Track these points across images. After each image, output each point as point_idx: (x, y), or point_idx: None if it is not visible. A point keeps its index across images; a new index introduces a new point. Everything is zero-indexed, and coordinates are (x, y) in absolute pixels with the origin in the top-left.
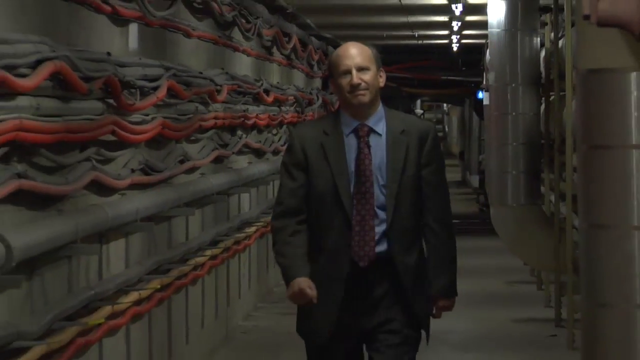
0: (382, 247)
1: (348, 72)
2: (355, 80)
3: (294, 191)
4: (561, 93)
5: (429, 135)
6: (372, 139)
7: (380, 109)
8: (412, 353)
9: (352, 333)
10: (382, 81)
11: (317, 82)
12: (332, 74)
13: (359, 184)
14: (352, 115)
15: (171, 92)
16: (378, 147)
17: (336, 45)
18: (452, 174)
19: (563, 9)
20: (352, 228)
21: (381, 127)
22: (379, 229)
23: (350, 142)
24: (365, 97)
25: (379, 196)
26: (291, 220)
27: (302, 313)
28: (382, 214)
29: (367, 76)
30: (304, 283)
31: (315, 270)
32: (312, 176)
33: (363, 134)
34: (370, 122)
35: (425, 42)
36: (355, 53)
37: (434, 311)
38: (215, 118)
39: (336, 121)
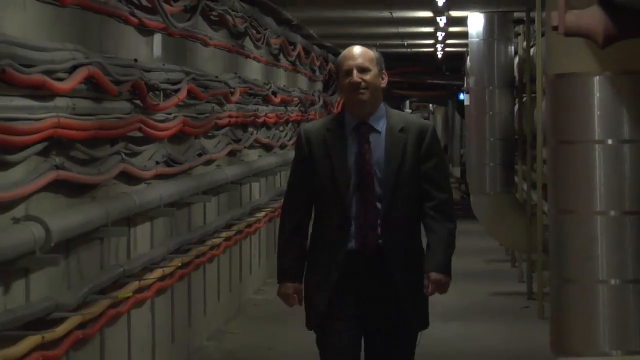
0: (380, 238)
1: (350, 72)
2: (355, 79)
3: (300, 187)
4: (532, 95)
5: (427, 132)
6: (372, 136)
7: (381, 107)
8: (408, 346)
9: (352, 320)
10: (383, 82)
11: (319, 85)
12: (337, 74)
13: (360, 178)
14: (354, 114)
15: (191, 94)
16: (377, 144)
17: (336, 53)
18: None
19: (534, 21)
20: (353, 219)
21: (381, 125)
22: (380, 221)
23: (352, 139)
24: (364, 95)
25: (378, 190)
26: (298, 215)
27: (309, 306)
28: (380, 207)
29: (368, 76)
30: (291, 289)
31: (317, 256)
32: (316, 170)
33: (364, 131)
34: (371, 120)
35: (413, 50)
36: (357, 54)
37: (428, 289)
38: (229, 117)
39: (340, 120)
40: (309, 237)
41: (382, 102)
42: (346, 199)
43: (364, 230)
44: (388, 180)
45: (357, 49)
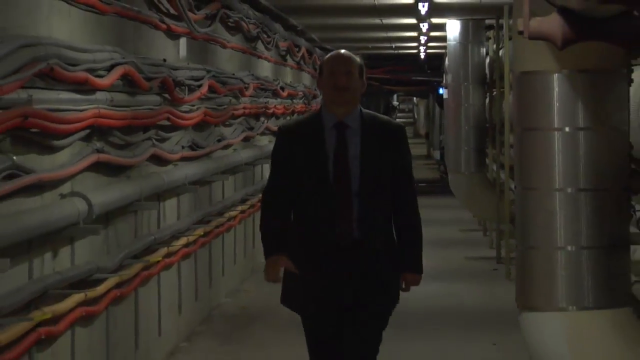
0: (357, 229)
1: (334, 73)
2: (340, 81)
3: (280, 182)
4: (501, 90)
5: (398, 133)
6: (349, 134)
7: (357, 109)
8: (379, 327)
9: (334, 305)
10: (363, 87)
11: (308, 78)
12: (322, 73)
13: (337, 173)
14: (333, 112)
15: (211, 89)
16: (353, 141)
17: None
18: (420, 149)
19: (503, 27)
20: (331, 211)
21: (357, 124)
22: (356, 213)
23: (330, 136)
24: (345, 97)
25: (355, 184)
26: (277, 199)
27: (287, 287)
28: (356, 199)
29: (351, 80)
30: (280, 260)
31: (303, 250)
32: (296, 165)
33: (341, 129)
34: (348, 120)
35: (400, 51)
36: (343, 59)
37: (403, 286)
38: (244, 108)
39: (319, 117)
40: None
41: (358, 104)
42: (325, 193)
43: (341, 221)
44: (363, 175)
45: (344, 54)
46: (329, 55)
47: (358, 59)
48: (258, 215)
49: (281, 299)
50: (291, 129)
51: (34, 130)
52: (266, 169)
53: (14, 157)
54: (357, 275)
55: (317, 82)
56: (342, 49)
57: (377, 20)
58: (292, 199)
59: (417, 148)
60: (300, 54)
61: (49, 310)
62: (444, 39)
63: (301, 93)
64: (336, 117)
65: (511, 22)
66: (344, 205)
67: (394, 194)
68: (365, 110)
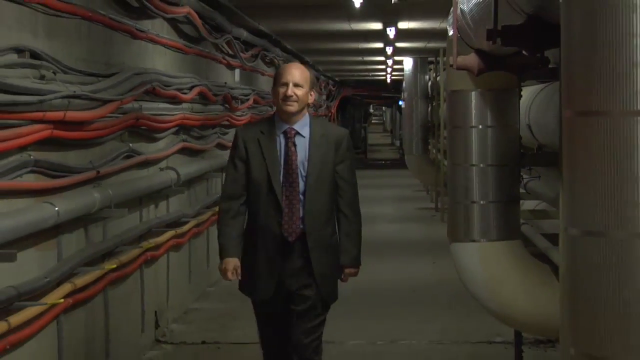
0: (302, 226)
1: (286, 84)
2: (289, 92)
3: (237, 179)
4: (438, 102)
5: (343, 139)
6: (298, 140)
7: (306, 117)
8: (320, 313)
9: (283, 292)
10: (311, 99)
11: (316, 96)
12: (275, 83)
13: (287, 175)
14: (283, 120)
15: (255, 101)
16: (302, 146)
17: (335, 79)
18: (387, 139)
19: (439, 62)
20: (282, 210)
21: (306, 131)
22: (302, 210)
23: (281, 141)
24: (293, 107)
25: (302, 185)
26: (234, 203)
27: (244, 277)
28: (303, 199)
29: (300, 92)
30: (230, 265)
31: (254, 242)
32: (250, 167)
33: (290, 135)
34: (297, 126)
35: (374, 77)
36: (295, 72)
37: (342, 276)
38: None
39: (271, 123)
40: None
41: (307, 113)
42: (276, 192)
43: (289, 218)
44: (310, 177)
45: (296, 67)
46: (283, 66)
47: (310, 71)
48: None
49: (239, 286)
50: (246, 132)
51: (142, 127)
52: None
53: (130, 144)
54: (301, 267)
55: (272, 91)
56: (328, 70)
57: (360, 58)
58: (247, 197)
59: (385, 139)
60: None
61: (152, 241)
62: (402, 70)
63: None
64: (286, 124)
65: (445, 59)
66: (291, 205)
67: (337, 195)
68: (314, 118)
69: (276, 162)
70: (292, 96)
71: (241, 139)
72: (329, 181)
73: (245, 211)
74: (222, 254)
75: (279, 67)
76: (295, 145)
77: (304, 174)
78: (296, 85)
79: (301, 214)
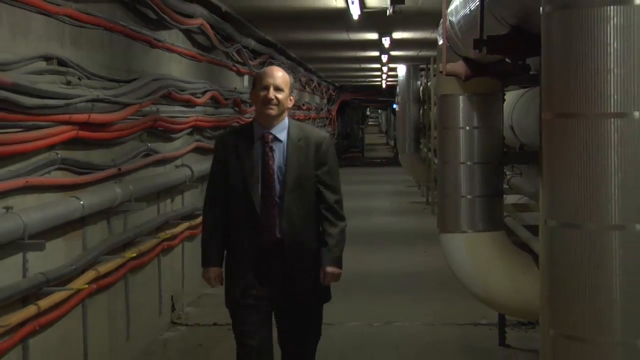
0: (280, 231)
1: (267, 88)
2: (270, 95)
3: (218, 189)
4: (429, 105)
5: (323, 142)
6: (275, 144)
7: (285, 121)
8: (313, 324)
9: (263, 300)
10: (291, 103)
11: (317, 99)
12: (255, 86)
13: (264, 180)
14: (261, 124)
15: None
16: (279, 151)
17: (335, 86)
18: (382, 140)
19: (430, 69)
20: (260, 215)
21: (283, 135)
22: (279, 216)
23: (259, 146)
24: (273, 110)
25: (279, 190)
26: (216, 212)
27: (226, 284)
28: (281, 204)
29: (280, 95)
30: (212, 273)
31: (233, 246)
32: (230, 173)
33: (268, 140)
34: (275, 131)
35: (371, 83)
36: (276, 75)
37: (322, 277)
38: None
39: (250, 129)
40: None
41: (286, 117)
42: (254, 197)
43: (266, 225)
44: (287, 182)
45: (277, 70)
46: (262, 70)
47: (290, 75)
48: None
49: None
50: (225, 139)
51: (160, 128)
52: None
53: (149, 144)
54: (282, 274)
55: (250, 94)
56: (328, 76)
57: (358, 66)
58: (228, 204)
59: (381, 139)
60: (313, 85)
61: (169, 232)
62: (396, 76)
63: (314, 107)
64: (264, 129)
65: (435, 66)
66: (268, 211)
67: (319, 199)
68: (293, 122)
69: (253, 168)
70: (272, 99)
71: (220, 147)
72: (308, 186)
73: (227, 219)
74: (205, 263)
75: (259, 71)
76: (272, 150)
77: (281, 179)
78: (277, 88)
79: (278, 220)
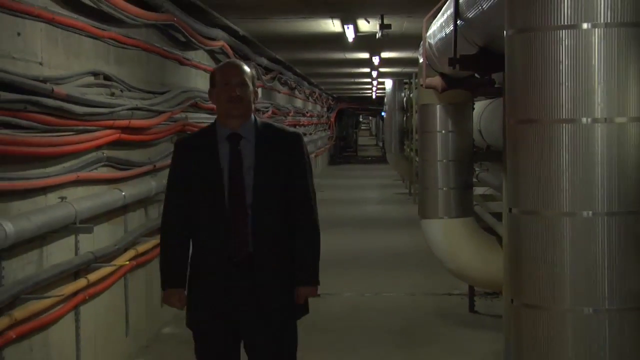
0: (252, 243)
1: (229, 84)
2: (234, 93)
3: (178, 204)
4: (411, 112)
5: (295, 142)
6: (243, 145)
7: (251, 119)
8: (283, 337)
9: (230, 323)
10: (255, 98)
11: (318, 108)
12: (214, 84)
13: (231, 186)
14: (226, 124)
15: (273, 112)
16: (248, 152)
17: (332, 96)
18: (373, 141)
19: (412, 83)
20: (228, 226)
21: (251, 135)
22: (250, 226)
23: (224, 148)
24: (239, 109)
25: (248, 197)
26: (177, 229)
27: (189, 308)
28: (251, 212)
29: (245, 92)
30: (175, 295)
31: (197, 263)
32: (192, 181)
33: (235, 140)
34: (242, 130)
35: (362, 94)
36: (237, 70)
37: (296, 296)
38: (289, 123)
39: (212, 131)
40: (190, 243)
41: (252, 115)
42: (220, 207)
43: (236, 235)
44: (258, 187)
45: (237, 65)
46: (220, 65)
47: (251, 68)
48: None
49: (186, 321)
50: (185, 144)
51: (188, 132)
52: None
53: None
54: (254, 290)
55: (209, 94)
56: (328, 89)
57: (351, 80)
58: (189, 216)
59: (371, 141)
60: (315, 96)
61: None
62: (384, 88)
63: (315, 114)
64: (229, 129)
65: (416, 80)
66: (238, 219)
67: (291, 204)
68: (260, 120)
69: (219, 173)
70: (237, 96)
71: (180, 153)
72: (280, 191)
73: (189, 236)
74: (165, 284)
75: (217, 66)
76: (240, 152)
77: (251, 184)
78: (240, 84)
79: (250, 231)
